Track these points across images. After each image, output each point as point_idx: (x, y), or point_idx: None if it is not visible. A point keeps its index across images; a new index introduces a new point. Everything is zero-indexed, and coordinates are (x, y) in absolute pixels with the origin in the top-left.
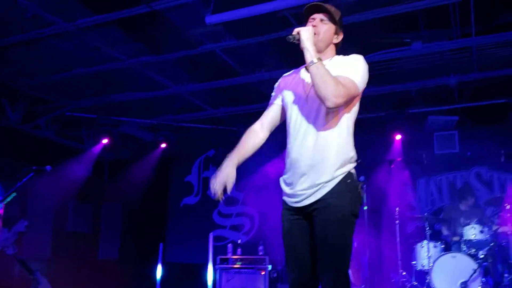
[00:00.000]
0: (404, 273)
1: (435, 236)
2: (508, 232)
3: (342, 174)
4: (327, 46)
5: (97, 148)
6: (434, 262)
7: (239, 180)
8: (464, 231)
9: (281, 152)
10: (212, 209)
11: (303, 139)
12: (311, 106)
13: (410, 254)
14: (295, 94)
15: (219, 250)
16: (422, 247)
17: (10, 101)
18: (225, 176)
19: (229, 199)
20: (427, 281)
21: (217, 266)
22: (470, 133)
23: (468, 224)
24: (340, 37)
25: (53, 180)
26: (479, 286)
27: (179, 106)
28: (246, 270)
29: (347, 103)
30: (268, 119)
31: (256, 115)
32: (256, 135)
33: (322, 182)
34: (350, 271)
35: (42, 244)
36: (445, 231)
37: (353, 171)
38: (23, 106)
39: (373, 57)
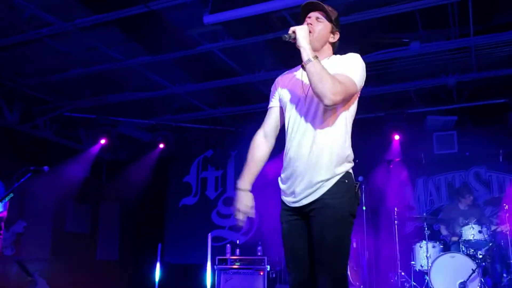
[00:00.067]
0: (402, 273)
1: (434, 236)
2: (507, 232)
3: (339, 174)
4: (323, 45)
5: (95, 148)
6: (432, 262)
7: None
8: (462, 231)
9: (280, 152)
10: (210, 210)
11: (301, 138)
12: (309, 106)
13: (408, 254)
14: (293, 93)
15: (218, 251)
16: (421, 247)
17: (8, 101)
18: (244, 207)
19: (228, 199)
20: (425, 281)
21: (215, 267)
22: (469, 133)
23: (467, 224)
24: (337, 36)
25: (51, 180)
26: (477, 286)
27: (177, 106)
28: (244, 271)
29: (345, 102)
30: (270, 127)
31: (254, 116)
32: (260, 148)
33: (319, 182)
34: (348, 272)
35: (40, 245)
36: (443, 231)
37: (350, 171)
38: (21, 106)
39: (371, 57)
